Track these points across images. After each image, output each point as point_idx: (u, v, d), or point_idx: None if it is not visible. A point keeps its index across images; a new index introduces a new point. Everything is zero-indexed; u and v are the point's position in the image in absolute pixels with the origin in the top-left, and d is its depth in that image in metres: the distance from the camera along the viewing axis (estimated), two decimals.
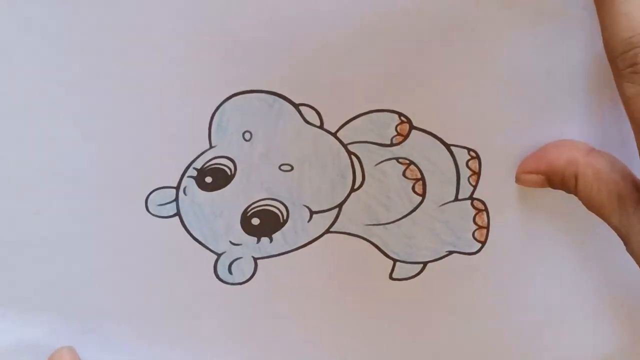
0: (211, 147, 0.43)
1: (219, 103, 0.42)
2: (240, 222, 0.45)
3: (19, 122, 0.42)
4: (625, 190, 0.39)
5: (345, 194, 0.44)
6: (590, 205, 0.41)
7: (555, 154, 0.42)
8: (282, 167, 0.44)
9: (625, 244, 0.40)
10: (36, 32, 0.41)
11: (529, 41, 0.41)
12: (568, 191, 0.41)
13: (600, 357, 0.48)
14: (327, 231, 0.45)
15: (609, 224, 0.40)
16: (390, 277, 0.46)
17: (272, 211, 0.45)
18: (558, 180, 0.41)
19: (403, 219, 0.45)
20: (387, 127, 0.43)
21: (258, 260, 0.46)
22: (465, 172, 0.44)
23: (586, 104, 0.43)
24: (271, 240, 0.45)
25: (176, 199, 0.44)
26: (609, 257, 0.45)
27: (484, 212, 0.45)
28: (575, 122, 0.43)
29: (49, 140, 0.43)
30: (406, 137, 0.43)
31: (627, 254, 0.40)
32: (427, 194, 0.45)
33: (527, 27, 0.41)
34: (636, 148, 0.38)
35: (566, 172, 0.41)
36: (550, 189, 0.43)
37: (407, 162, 0.44)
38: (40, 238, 0.44)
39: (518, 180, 0.43)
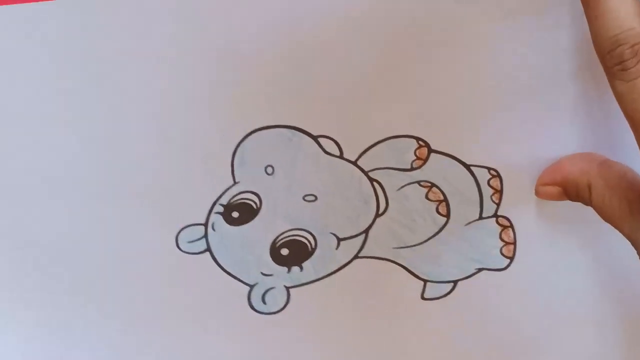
0: (235, 183, 0.44)
1: (239, 140, 0.43)
2: (270, 253, 0.46)
3: (59, 158, 0.44)
4: (635, 198, 0.40)
5: (371, 220, 0.45)
6: (604, 214, 0.41)
7: (569, 166, 0.42)
8: (306, 198, 0.44)
9: (638, 251, 0.40)
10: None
11: (542, 58, 0.42)
12: (584, 202, 0.42)
13: None
14: (356, 257, 0.46)
15: (622, 232, 0.41)
16: (422, 297, 0.47)
17: (300, 241, 0.45)
18: (573, 191, 0.42)
19: (430, 240, 0.46)
20: (406, 152, 0.44)
21: (290, 289, 0.46)
22: (487, 191, 0.44)
23: (603, 113, 0.43)
24: (301, 269, 0.46)
25: (205, 235, 0.45)
26: (632, 267, 0.45)
27: (510, 228, 0.45)
28: (593, 132, 0.43)
29: (76, 186, 0.44)
30: (426, 160, 0.44)
31: None
32: (451, 215, 0.45)
33: (540, 45, 0.41)
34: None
35: (580, 183, 0.41)
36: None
37: (429, 184, 0.44)
38: (74, 282, 0.46)
39: (537, 193, 0.43)
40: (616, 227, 0.40)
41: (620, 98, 0.38)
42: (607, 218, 0.41)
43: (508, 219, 0.45)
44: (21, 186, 0.44)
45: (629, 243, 0.41)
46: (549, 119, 0.43)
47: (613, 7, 0.37)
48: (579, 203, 0.43)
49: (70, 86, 0.42)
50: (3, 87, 0.43)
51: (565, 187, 0.42)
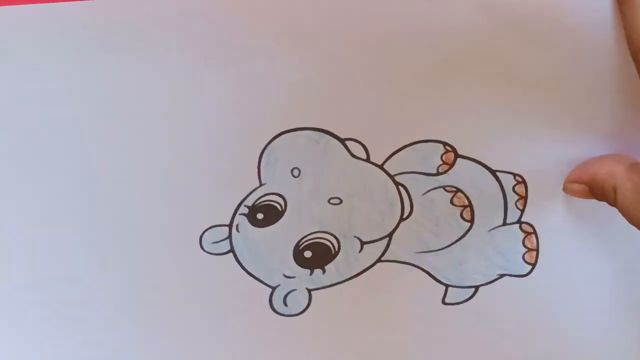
0: (261, 184, 0.44)
1: (266, 142, 0.43)
2: (293, 256, 0.46)
3: (74, 155, 0.44)
4: None
5: (395, 224, 0.45)
6: (629, 217, 0.41)
7: (597, 166, 0.42)
8: (332, 201, 0.44)
9: None
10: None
11: (567, 64, 0.41)
12: (609, 203, 0.42)
13: None
14: (379, 260, 0.46)
15: None
16: (443, 302, 0.47)
17: (323, 244, 0.45)
18: (599, 191, 0.42)
19: (453, 245, 0.46)
20: (433, 156, 0.44)
21: (312, 292, 0.46)
22: (512, 197, 0.44)
23: (629, 120, 0.43)
24: (324, 271, 0.46)
25: (229, 236, 0.45)
26: None
27: (533, 235, 0.45)
28: (618, 139, 0.43)
29: (99, 182, 0.44)
30: (452, 165, 0.44)
31: None
32: (475, 220, 0.45)
33: (569, 49, 0.41)
34: None
35: (606, 184, 0.41)
36: (595, 208, 0.44)
37: (454, 189, 0.44)
38: (97, 282, 0.46)
39: (565, 189, 0.44)
40: None
41: None
42: (632, 221, 0.41)
43: (532, 226, 0.45)
44: (42, 181, 0.44)
45: None
46: (577, 126, 0.43)
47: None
48: (605, 207, 0.43)
49: (90, 87, 0.42)
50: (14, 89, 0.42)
51: (591, 186, 0.42)
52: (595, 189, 0.42)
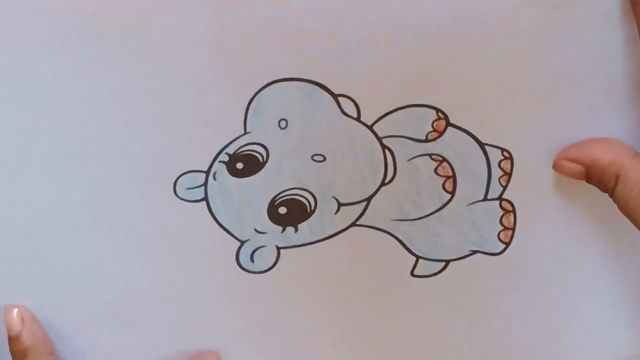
0: (245, 133, 0.42)
1: (257, 89, 0.42)
2: (267, 211, 0.44)
3: (46, 100, 0.41)
4: None
5: (375, 188, 0.44)
6: (626, 208, 0.40)
7: (601, 149, 0.41)
8: (315, 158, 0.43)
9: None
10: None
11: (569, 42, 0.41)
12: (604, 190, 0.41)
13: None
14: (353, 224, 0.45)
15: None
16: (412, 274, 0.46)
17: (300, 201, 0.44)
18: (597, 176, 0.41)
19: (430, 216, 0.45)
20: (424, 122, 0.43)
21: (281, 250, 0.45)
22: (496, 172, 0.44)
23: (625, 106, 0.43)
24: (296, 230, 0.45)
25: (205, 184, 0.43)
26: (636, 262, 0.46)
27: (512, 214, 0.45)
28: (614, 127, 0.43)
29: (78, 120, 0.42)
30: (442, 133, 0.43)
31: None
32: (456, 192, 0.44)
33: (567, 27, 0.41)
34: None
35: (608, 170, 0.41)
36: (580, 193, 0.43)
37: (440, 159, 0.44)
38: (65, 219, 0.43)
39: (556, 166, 0.43)
40: (636, 223, 0.40)
41: None
42: (628, 213, 0.40)
43: (512, 204, 0.45)
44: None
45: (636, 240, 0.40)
46: (570, 107, 0.42)
47: None
48: (589, 192, 0.42)
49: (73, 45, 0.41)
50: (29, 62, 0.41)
51: (589, 169, 0.41)
52: (593, 173, 0.41)
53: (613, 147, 0.41)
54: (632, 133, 0.43)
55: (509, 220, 0.45)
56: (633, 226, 0.41)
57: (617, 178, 0.40)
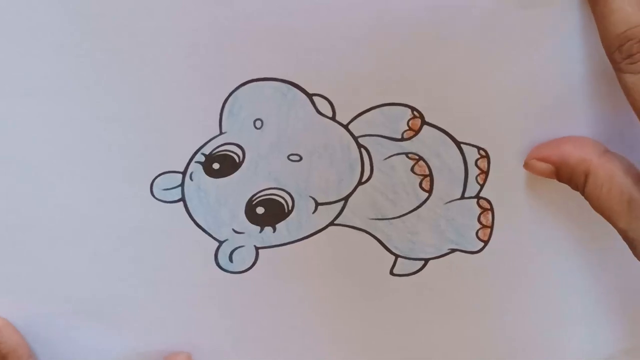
0: (221, 133, 0.43)
1: (232, 89, 0.42)
2: (245, 211, 0.44)
3: (26, 105, 0.42)
4: (637, 195, 0.39)
5: (352, 187, 0.44)
6: (598, 205, 0.41)
7: (569, 148, 0.41)
8: (291, 157, 0.43)
9: (632, 248, 0.40)
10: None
11: (543, 42, 0.41)
12: (575, 188, 0.41)
13: (601, 358, 0.48)
14: (331, 223, 0.45)
15: (616, 227, 0.40)
16: (391, 273, 0.46)
17: (277, 201, 0.44)
18: (567, 174, 0.41)
19: (408, 215, 0.45)
20: (399, 121, 0.43)
21: (260, 250, 0.45)
22: (473, 171, 0.44)
23: (598, 105, 0.43)
24: (274, 230, 0.45)
25: (182, 184, 0.43)
26: (614, 260, 0.46)
27: (489, 212, 0.45)
28: (587, 125, 0.43)
29: (54, 122, 0.42)
30: (417, 132, 0.43)
31: (633, 258, 0.40)
32: (433, 191, 0.44)
33: (541, 27, 0.41)
34: None
35: (578, 168, 0.41)
36: (557, 191, 0.43)
37: (417, 157, 0.44)
38: (42, 221, 0.44)
39: (527, 165, 0.43)
40: (610, 220, 0.40)
41: (629, 91, 0.38)
42: (600, 209, 0.40)
43: (489, 202, 0.45)
44: None
45: (618, 237, 0.40)
46: (544, 105, 0.42)
47: (619, 6, 0.38)
48: (567, 193, 0.42)
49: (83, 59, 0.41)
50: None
51: (559, 168, 0.41)
52: (563, 172, 0.41)
53: (582, 144, 0.41)
54: (605, 130, 0.43)
55: (486, 219, 0.45)
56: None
57: (586, 176, 0.40)
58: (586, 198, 0.41)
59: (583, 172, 0.40)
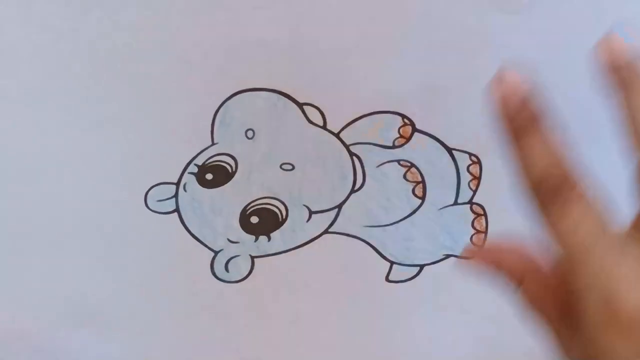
0: (213, 144, 0.43)
1: (222, 100, 0.42)
2: (239, 220, 0.44)
3: (23, 111, 0.42)
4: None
5: (346, 195, 0.44)
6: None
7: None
8: (284, 167, 0.43)
9: None
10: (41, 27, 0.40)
11: (535, 48, 0.41)
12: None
13: None
14: (326, 231, 0.45)
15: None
16: (387, 279, 0.46)
17: (271, 210, 0.44)
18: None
19: (402, 221, 0.45)
20: (390, 129, 0.43)
21: (255, 259, 0.45)
22: (465, 177, 0.44)
23: (587, 112, 0.43)
24: (269, 239, 0.45)
25: (176, 195, 0.44)
26: None
27: (483, 217, 0.45)
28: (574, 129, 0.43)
29: (52, 129, 0.42)
30: (408, 139, 0.43)
31: None
32: (427, 197, 0.45)
33: (532, 33, 0.41)
34: None
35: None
36: None
37: (409, 164, 0.44)
38: (38, 230, 0.44)
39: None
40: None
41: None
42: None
43: (482, 207, 0.45)
44: None
45: None
46: None
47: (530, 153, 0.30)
48: None
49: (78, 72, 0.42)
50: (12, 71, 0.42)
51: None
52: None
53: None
54: (591, 133, 0.42)
55: (480, 224, 0.45)
56: None
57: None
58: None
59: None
